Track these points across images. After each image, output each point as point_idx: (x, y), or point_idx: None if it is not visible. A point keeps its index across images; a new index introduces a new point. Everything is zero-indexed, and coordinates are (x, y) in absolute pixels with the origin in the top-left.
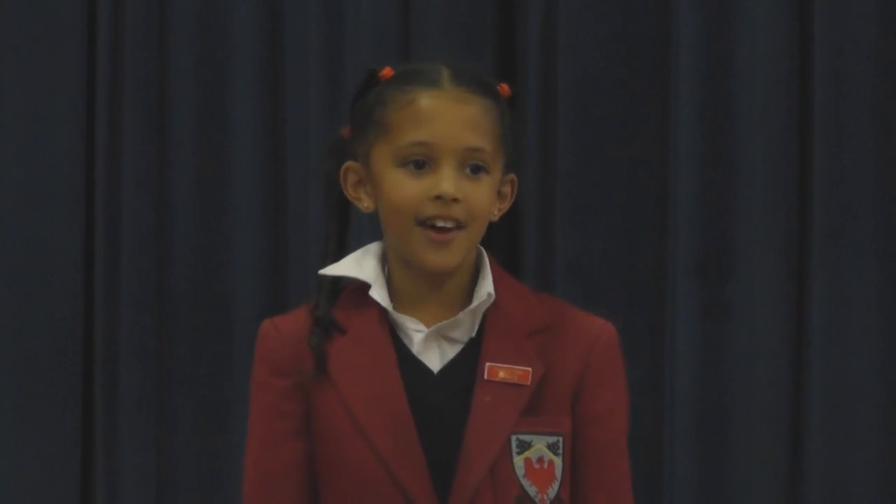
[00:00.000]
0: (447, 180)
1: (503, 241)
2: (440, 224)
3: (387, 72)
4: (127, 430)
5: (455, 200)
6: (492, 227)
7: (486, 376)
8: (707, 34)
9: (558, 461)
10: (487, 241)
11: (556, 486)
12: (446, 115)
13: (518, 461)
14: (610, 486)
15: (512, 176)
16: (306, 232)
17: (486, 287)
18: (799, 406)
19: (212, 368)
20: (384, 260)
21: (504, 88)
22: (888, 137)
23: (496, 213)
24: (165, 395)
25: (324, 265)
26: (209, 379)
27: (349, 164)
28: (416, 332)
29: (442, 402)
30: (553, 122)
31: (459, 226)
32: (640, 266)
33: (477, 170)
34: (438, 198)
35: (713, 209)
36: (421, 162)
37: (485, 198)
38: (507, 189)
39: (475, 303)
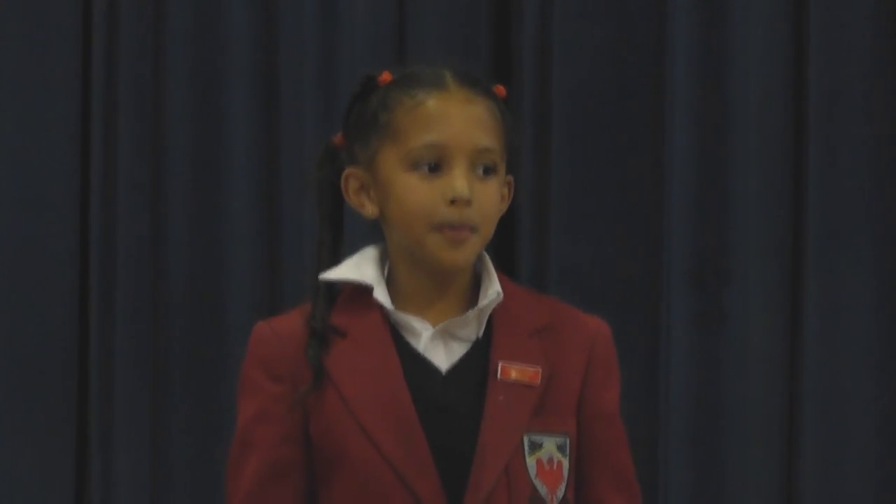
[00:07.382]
0: (461, 180)
1: (494, 242)
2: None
3: (385, 76)
4: (122, 436)
5: (468, 203)
6: None
7: (499, 376)
8: (702, 41)
9: (566, 462)
10: None
11: (563, 486)
12: (456, 115)
13: (530, 461)
14: (625, 485)
15: (510, 177)
16: (301, 239)
17: (495, 286)
18: (794, 413)
19: (206, 375)
20: (382, 262)
21: (500, 90)
22: (883, 145)
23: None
24: (160, 401)
25: (318, 273)
26: (204, 385)
27: (350, 170)
28: (423, 331)
29: (452, 401)
30: (548, 129)
31: (473, 229)
32: (635, 273)
33: (488, 171)
34: (453, 202)
35: (708, 216)
36: (435, 164)
37: (495, 199)
38: (505, 191)
39: (484, 302)
